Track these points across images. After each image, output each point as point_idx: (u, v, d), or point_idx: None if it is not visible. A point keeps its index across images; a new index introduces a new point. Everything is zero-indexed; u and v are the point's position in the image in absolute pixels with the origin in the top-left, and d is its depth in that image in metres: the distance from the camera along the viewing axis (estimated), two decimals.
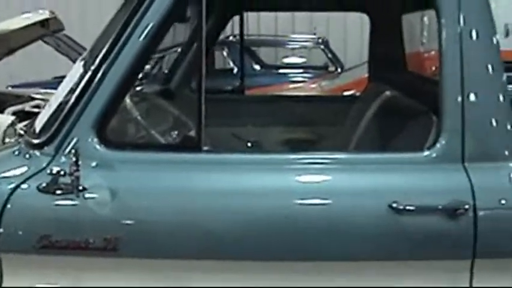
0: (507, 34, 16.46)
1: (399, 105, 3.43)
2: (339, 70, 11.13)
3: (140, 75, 2.97)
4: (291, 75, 11.53)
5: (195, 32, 2.79)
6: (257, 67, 11.60)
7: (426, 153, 2.58)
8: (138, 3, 2.62)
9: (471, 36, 2.60)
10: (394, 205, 2.48)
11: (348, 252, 2.55)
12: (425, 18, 4.80)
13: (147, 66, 3.91)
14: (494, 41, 2.64)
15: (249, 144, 4.31)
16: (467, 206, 2.49)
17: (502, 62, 2.65)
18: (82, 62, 2.88)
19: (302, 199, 2.55)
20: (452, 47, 2.59)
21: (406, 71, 4.14)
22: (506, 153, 2.59)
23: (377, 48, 4.38)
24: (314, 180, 2.61)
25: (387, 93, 3.63)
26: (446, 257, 2.54)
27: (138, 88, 3.79)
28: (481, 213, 2.50)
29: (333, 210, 2.54)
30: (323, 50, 11.81)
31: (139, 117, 3.15)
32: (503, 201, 2.53)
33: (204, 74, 2.63)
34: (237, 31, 13.95)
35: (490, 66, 2.60)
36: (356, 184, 2.58)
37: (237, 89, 5.57)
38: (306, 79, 10.71)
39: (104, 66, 2.59)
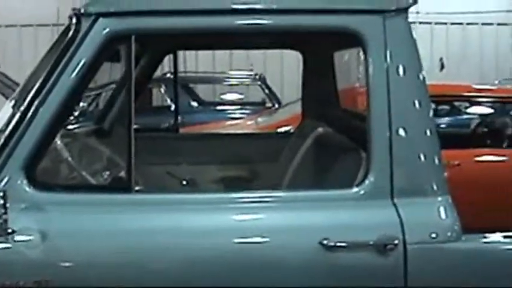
0: (442, 67, 16.87)
1: (330, 142, 3.47)
2: (276, 106, 11.21)
3: (72, 115, 2.95)
4: (229, 111, 11.57)
5: (127, 71, 2.79)
6: (195, 104, 11.61)
7: (355, 189, 2.62)
8: (69, 41, 2.61)
9: (398, 73, 2.65)
10: (325, 242, 2.50)
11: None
12: (358, 55, 4.88)
13: (82, 105, 3.87)
14: (421, 77, 2.69)
15: (184, 183, 4.30)
16: (396, 241, 2.52)
17: (429, 97, 2.71)
18: (12, 102, 2.84)
19: (234, 238, 2.56)
20: (379, 83, 2.63)
21: (339, 108, 4.20)
22: (435, 187, 2.64)
23: (309, 85, 4.43)
24: (246, 219, 2.62)
25: (320, 130, 3.67)
26: None
27: (70, 127, 3.76)
28: (410, 247, 2.53)
29: (265, 248, 2.55)
30: (260, 86, 11.90)
31: (69, 158, 3.12)
32: (433, 235, 2.57)
33: (132, 113, 2.63)
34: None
35: (417, 102, 2.66)
36: (287, 222, 2.59)
37: (172, 127, 5.57)
38: (244, 115, 10.75)
39: (34, 106, 2.56)
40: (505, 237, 2.67)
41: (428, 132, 2.66)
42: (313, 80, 4.33)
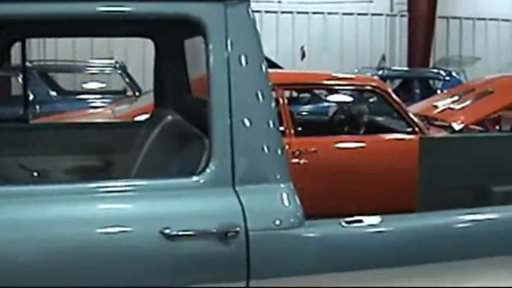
0: (303, 56, 17.17)
1: (178, 130, 3.44)
2: (137, 94, 11.11)
3: None
4: (90, 100, 11.38)
5: None
6: (54, 93, 11.34)
7: (196, 178, 2.60)
8: None
9: (239, 62, 2.65)
10: (166, 231, 2.47)
11: (126, 279, 2.51)
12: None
13: None
14: (263, 68, 2.70)
15: (34, 174, 4.17)
16: (238, 229, 2.52)
17: (271, 88, 2.72)
18: None
19: (76, 229, 2.50)
20: (219, 73, 2.62)
21: (190, 96, 4.17)
22: (277, 175, 2.66)
23: (161, 73, 4.38)
24: (89, 210, 2.56)
25: (168, 118, 3.63)
26: (221, 279, 2.56)
27: None
28: (252, 234, 2.54)
29: (107, 239, 2.51)
30: (120, 74, 11.76)
31: None
32: (276, 222, 2.58)
33: None
34: (36, 57, 13.70)
35: (258, 92, 2.66)
36: (129, 212, 2.56)
37: (22, 117, 5.41)
38: (105, 104, 10.59)
39: None
40: (347, 222, 2.71)
41: (270, 122, 2.67)
42: (165, 68, 4.28)
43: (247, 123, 2.63)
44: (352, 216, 2.77)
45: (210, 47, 2.64)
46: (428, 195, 4.76)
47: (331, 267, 2.68)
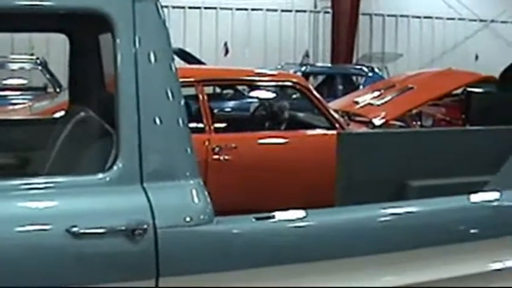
0: (227, 52, 17.20)
1: (89, 127, 3.40)
2: (57, 91, 10.95)
3: None
4: (10, 97, 11.16)
5: None
6: None
7: (104, 175, 2.57)
8: None
9: (147, 59, 2.62)
10: (73, 229, 2.43)
11: (32, 278, 2.45)
12: None
13: None
14: (172, 66, 2.68)
15: None
16: (146, 226, 2.49)
17: (180, 86, 2.69)
18: None
19: None
20: (127, 69, 2.60)
21: (104, 92, 4.12)
22: (186, 172, 2.64)
23: (76, 69, 4.31)
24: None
25: (81, 114, 3.58)
26: (130, 278, 2.52)
27: None
28: (161, 232, 2.52)
29: (15, 237, 2.44)
30: (41, 70, 11.57)
31: None
32: (185, 219, 2.56)
33: None
34: None
35: (167, 90, 2.64)
36: (35, 210, 2.51)
37: None
38: (25, 101, 10.41)
39: None
40: (257, 218, 2.71)
41: (179, 119, 2.66)
42: (79, 64, 4.21)
43: (155, 120, 2.60)
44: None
45: (118, 42, 2.61)
46: (346, 190, 4.81)
47: (241, 264, 2.67)
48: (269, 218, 2.72)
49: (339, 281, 2.80)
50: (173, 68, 2.68)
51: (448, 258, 3.00)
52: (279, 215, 2.75)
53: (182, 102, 2.69)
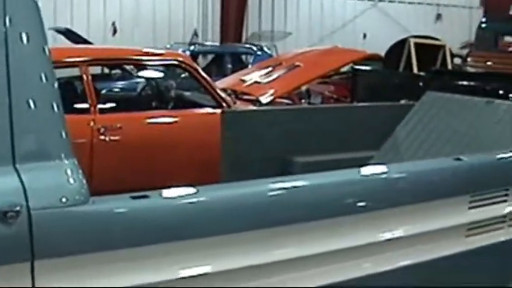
0: (115, 32, 16.99)
1: None
2: None
3: None
4: None
5: None
6: None
7: None
8: None
9: (20, 40, 2.55)
10: None
11: None
12: None
13: None
14: (46, 48, 2.61)
15: None
16: (19, 208, 2.44)
17: (53, 69, 2.64)
18: None
19: None
20: None
21: None
22: (61, 154, 2.59)
23: None
24: None
25: None
26: (4, 261, 2.47)
27: None
28: (35, 213, 2.47)
29: None
30: None
31: None
32: (60, 199, 2.52)
33: None
34: None
35: (40, 72, 2.58)
36: None
37: None
38: None
39: None
40: (133, 197, 2.69)
41: (52, 102, 2.60)
42: None
43: (28, 102, 2.54)
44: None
45: None
46: (232, 168, 4.85)
47: (121, 243, 2.65)
48: (145, 196, 2.71)
49: (227, 256, 2.81)
50: (47, 50, 2.62)
51: (339, 230, 3.05)
52: (154, 194, 2.74)
53: (56, 84, 2.64)
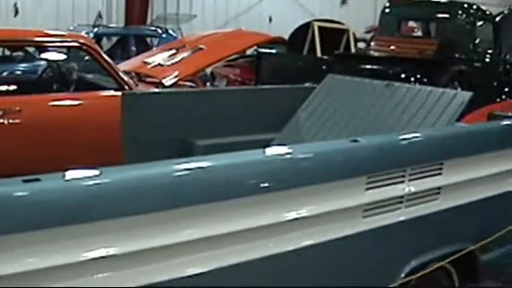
0: (16, 13, 16.61)
1: None
2: None
3: None
4: None
5: None
6: None
7: None
8: None
9: None
10: None
11: None
12: None
13: None
14: None
15: None
16: None
17: None
18: None
19: None
20: None
21: None
22: None
23: None
24: None
25: None
26: None
27: None
28: None
29: None
30: None
31: None
32: None
33: None
34: None
35: None
36: None
37: None
38: None
39: None
40: (24, 181, 2.64)
41: None
42: None
43: None
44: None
45: None
46: (132, 150, 4.85)
47: (17, 227, 2.61)
48: (37, 180, 2.67)
49: (132, 239, 2.80)
50: None
51: (243, 210, 3.07)
52: (47, 177, 2.70)
53: None
